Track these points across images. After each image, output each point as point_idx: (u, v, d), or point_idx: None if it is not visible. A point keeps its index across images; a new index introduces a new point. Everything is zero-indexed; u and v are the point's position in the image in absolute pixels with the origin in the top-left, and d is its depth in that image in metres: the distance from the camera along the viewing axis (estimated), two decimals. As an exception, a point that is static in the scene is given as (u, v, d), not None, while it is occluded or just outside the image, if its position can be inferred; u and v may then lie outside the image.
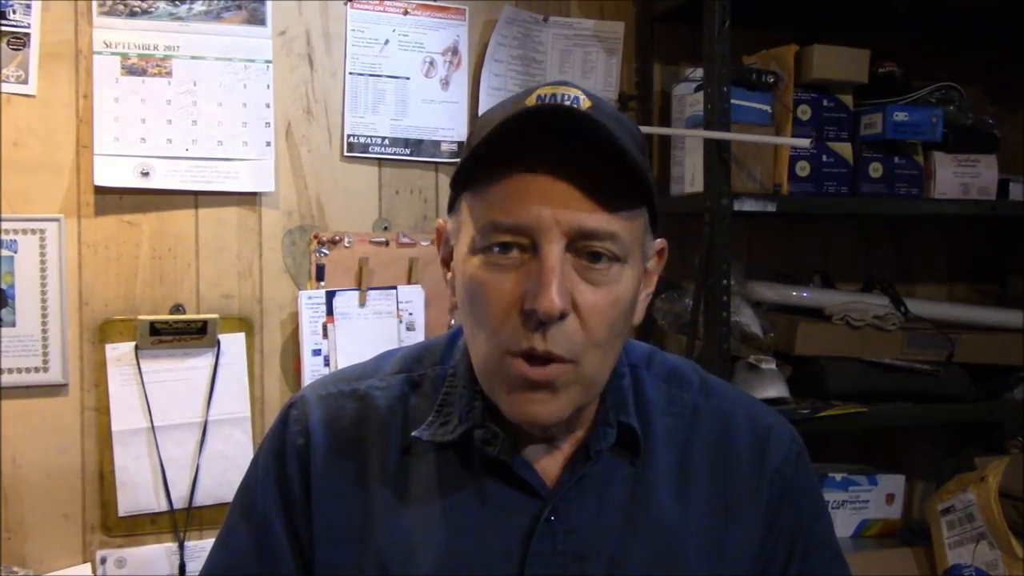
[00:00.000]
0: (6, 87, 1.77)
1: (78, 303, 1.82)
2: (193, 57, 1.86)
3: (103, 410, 1.83)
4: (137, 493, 1.83)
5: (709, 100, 1.86)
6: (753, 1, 1.91)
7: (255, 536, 1.01)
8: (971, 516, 1.98)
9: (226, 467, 1.87)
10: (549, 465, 0.97)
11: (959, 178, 2.11)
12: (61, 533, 1.81)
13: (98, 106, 1.81)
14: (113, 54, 1.82)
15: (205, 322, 1.86)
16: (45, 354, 1.79)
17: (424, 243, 2.01)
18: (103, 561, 1.82)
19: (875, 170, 2.07)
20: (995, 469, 1.99)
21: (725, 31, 1.83)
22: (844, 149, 2.05)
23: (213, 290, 1.90)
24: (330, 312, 1.94)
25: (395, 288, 1.98)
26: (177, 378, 1.86)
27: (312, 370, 1.92)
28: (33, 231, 1.79)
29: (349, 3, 1.97)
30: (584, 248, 0.87)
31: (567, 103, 0.88)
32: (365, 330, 1.96)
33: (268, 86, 1.91)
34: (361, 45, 1.98)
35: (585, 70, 2.13)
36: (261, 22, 1.91)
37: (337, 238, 1.96)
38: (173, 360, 1.86)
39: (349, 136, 1.98)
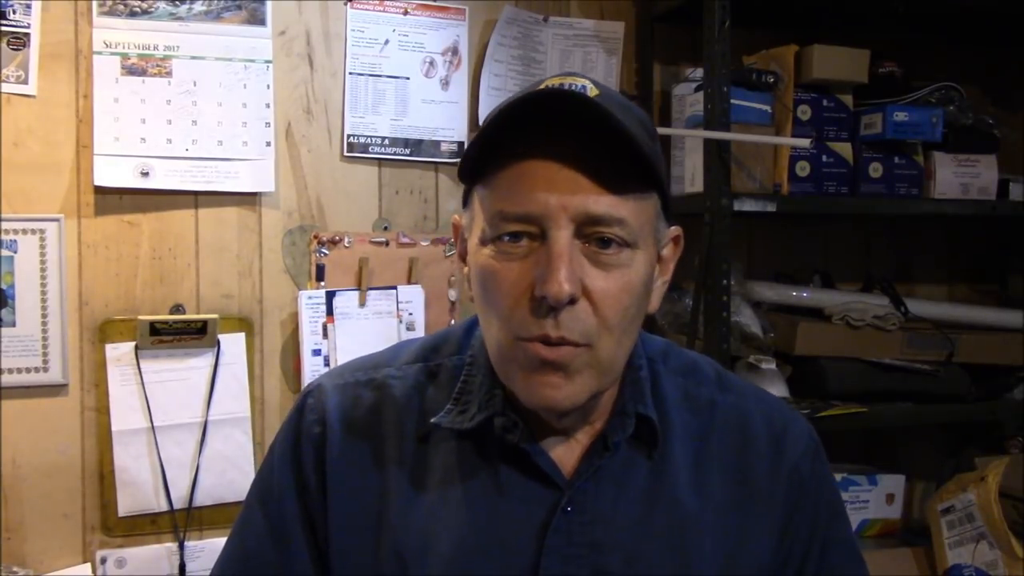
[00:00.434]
0: (6, 87, 1.77)
1: (78, 303, 1.82)
2: (193, 57, 1.86)
3: (103, 410, 1.83)
4: (137, 493, 1.83)
5: (709, 100, 1.86)
6: (753, 1, 1.91)
7: (270, 523, 1.01)
8: (971, 516, 1.98)
9: (226, 467, 1.87)
10: (567, 456, 0.97)
11: (959, 178, 2.11)
12: (61, 533, 1.81)
13: (98, 106, 1.81)
14: (113, 54, 1.82)
15: (205, 322, 1.86)
16: (45, 354, 1.79)
17: (424, 243, 2.01)
18: (103, 561, 1.82)
19: (875, 170, 2.07)
20: (995, 469, 1.99)
21: (725, 31, 1.83)
22: (844, 149, 2.05)
23: (213, 290, 1.90)
24: (330, 312, 1.94)
25: (395, 288, 1.98)
26: (177, 378, 1.86)
27: (312, 370, 1.92)
28: (33, 231, 1.79)
29: (349, 3, 1.97)
30: (593, 234, 0.88)
31: (574, 91, 0.88)
32: (365, 330, 1.96)
33: (268, 86, 1.91)
34: (361, 45, 1.98)
35: (585, 70, 2.13)
36: (261, 22, 1.91)
37: (337, 238, 1.96)
38: (173, 360, 1.86)
39: (349, 136, 1.98)
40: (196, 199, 1.89)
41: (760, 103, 1.96)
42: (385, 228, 2.01)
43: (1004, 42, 2.35)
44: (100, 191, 1.82)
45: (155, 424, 1.84)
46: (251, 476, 1.81)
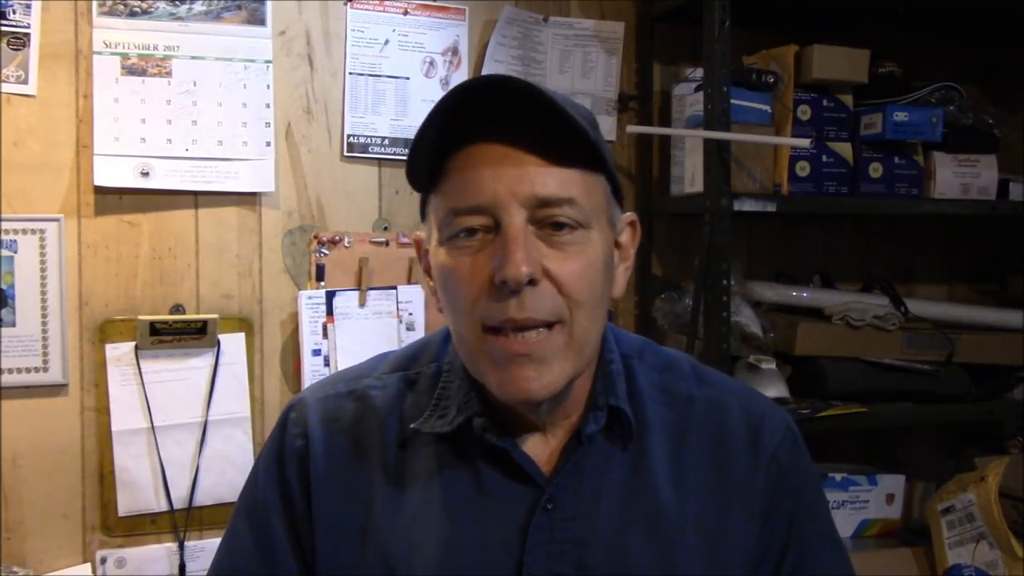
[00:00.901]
0: (6, 87, 1.77)
1: (78, 303, 1.82)
2: (193, 57, 1.86)
3: (103, 410, 1.83)
4: (137, 493, 1.83)
5: (709, 100, 1.86)
6: (753, 1, 1.91)
7: (256, 538, 1.02)
8: (971, 516, 1.98)
9: (226, 467, 1.87)
10: (544, 453, 0.98)
11: (959, 178, 2.11)
12: (61, 533, 1.81)
13: (98, 106, 1.81)
14: (113, 54, 1.82)
15: (205, 322, 1.86)
16: (45, 354, 1.79)
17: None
18: (103, 561, 1.82)
19: (875, 170, 2.07)
20: (995, 469, 1.98)
21: (725, 31, 1.83)
22: (844, 149, 2.05)
23: (213, 290, 1.90)
24: (330, 312, 1.94)
25: (395, 288, 1.98)
26: (177, 378, 1.86)
27: (312, 370, 1.92)
28: (33, 231, 1.79)
29: (349, 3, 1.97)
30: (546, 219, 0.89)
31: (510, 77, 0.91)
32: (365, 330, 1.96)
33: (268, 86, 1.91)
34: (361, 45, 1.98)
35: (585, 70, 2.13)
36: (261, 22, 1.91)
37: (337, 238, 1.96)
38: (173, 360, 1.86)
39: (349, 136, 1.98)
40: (196, 199, 1.89)
41: (760, 103, 1.96)
42: (385, 228, 2.01)
43: (1004, 42, 2.35)
44: (100, 191, 1.82)
45: (155, 424, 1.84)
46: (251, 476, 1.81)
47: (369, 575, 0.96)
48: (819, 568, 1.02)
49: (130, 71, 1.83)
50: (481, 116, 0.89)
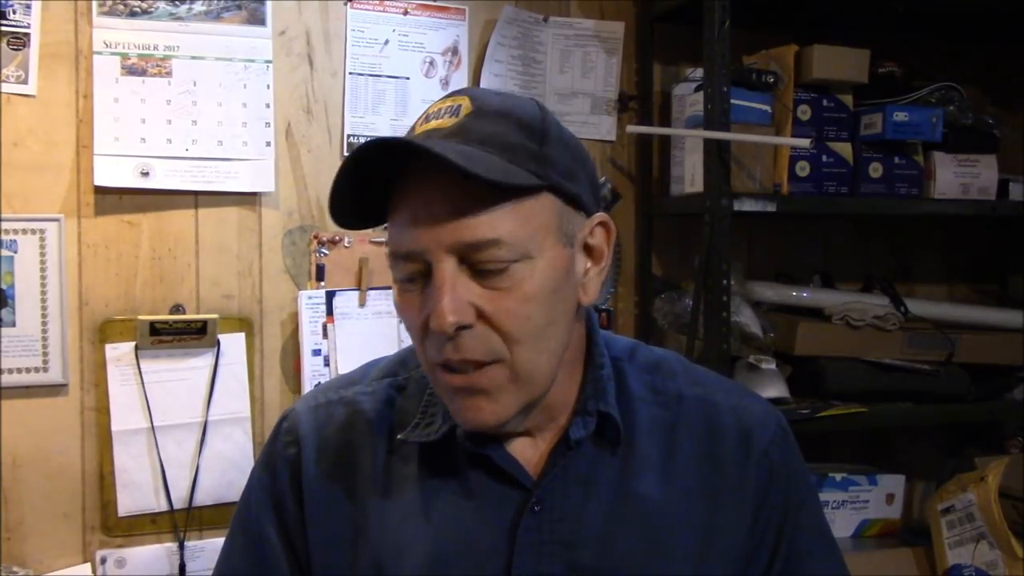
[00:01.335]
0: (6, 87, 1.77)
1: (78, 303, 1.82)
2: (193, 57, 1.86)
3: (103, 410, 1.83)
4: (137, 493, 1.83)
5: (709, 100, 1.86)
6: (753, 1, 1.91)
7: (251, 549, 1.04)
8: (971, 516, 1.98)
9: (226, 467, 1.87)
10: (532, 456, 0.99)
11: (959, 178, 2.11)
12: (61, 533, 1.81)
13: (98, 106, 1.81)
14: (113, 54, 1.82)
15: (205, 322, 1.86)
16: (45, 354, 1.79)
17: (424, 243, 2.01)
18: (103, 561, 1.82)
19: (875, 170, 2.07)
20: (995, 469, 1.98)
21: (725, 31, 1.83)
22: (844, 149, 2.05)
23: (213, 290, 1.90)
24: (330, 312, 1.94)
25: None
26: (177, 378, 1.86)
27: (312, 370, 1.92)
28: (33, 231, 1.79)
29: (349, 3, 1.97)
30: (475, 264, 0.88)
31: (444, 116, 0.91)
32: (365, 330, 1.96)
33: (268, 86, 1.91)
34: (361, 45, 1.98)
35: (585, 70, 2.13)
36: (261, 22, 1.91)
37: (337, 238, 1.96)
38: (173, 360, 1.86)
39: (349, 136, 1.98)
40: (196, 199, 1.89)
41: (760, 103, 1.96)
42: (385, 228, 2.00)
43: (1004, 42, 2.35)
44: (100, 191, 1.82)
45: (155, 424, 1.84)
46: (251, 476, 1.81)
47: None
48: (811, 564, 1.03)
49: (130, 71, 1.83)
50: (401, 160, 0.89)
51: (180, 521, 1.85)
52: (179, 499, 1.85)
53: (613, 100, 2.15)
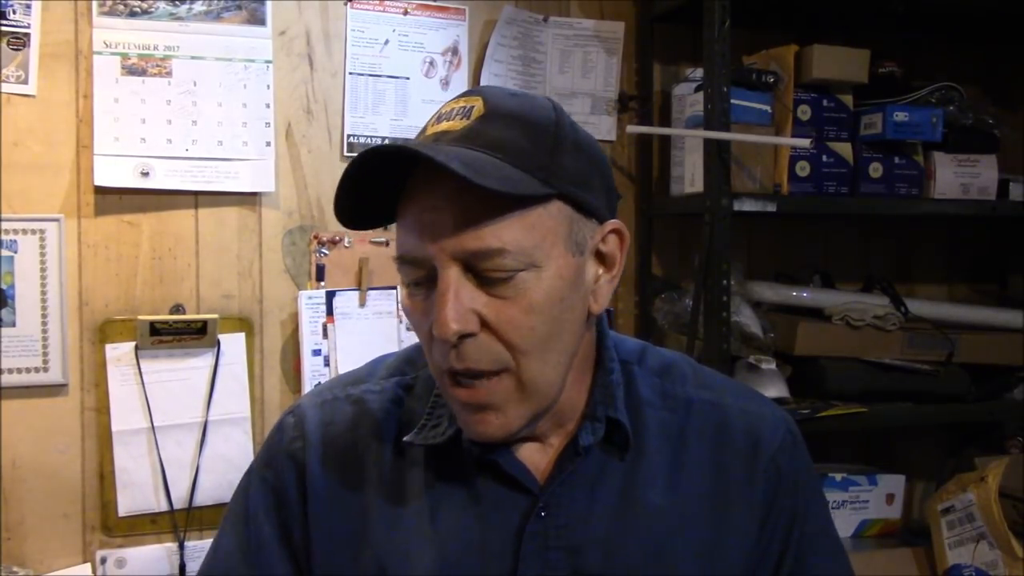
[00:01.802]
0: (6, 87, 1.77)
1: (78, 303, 1.82)
2: (193, 57, 1.86)
3: (103, 410, 1.83)
4: (137, 493, 1.83)
5: (709, 100, 1.86)
6: (753, 1, 1.91)
7: (242, 540, 1.02)
8: (971, 516, 1.98)
9: (226, 467, 1.87)
10: (540, 461, 0.98)
11: (959, 178, 2.11)
12: (61, 533, 1.81)
13: (98, 106, 1.81)
14: (113, 54, 1.82)
15: (205, 322, 1.86)
16: (45, 354, 1.79)
17: (424, 243, 2.01)
18: (103, 561, 1.82)
19: (875, 170, 2.07)
20: (995, 469, 1.99)
21: (725, 31, 1.83)
22: (844, 149, 2.05)
23: (213, 290, 1.90)
24: (330, 312, 1.94)
25: (395, 288, 1.98)
26: (177, 378, 1.86)
27: (312, 370, 1.92)
28: (33, 231, 1.79)
29: (349, 3, 1.97)
30: (480, 272, 0.87)
31: (455, 118, 0.89)
32: (365, 330, 1.96)
33: (268, 86, 1.91)
34: (361, 45, 1.98)
35: (585, 70, 2.13)
36: (261, 22, 1.91)
37: (337, 238, 1.96)
38: (173, 360, 1.86)
39: (349, 136, 1.98)
40: (196, 199, 1.89)
41: (760, 103, 1.96)
42: (385, 228, 2.00)
43: (1004, 42, 2.35)
44: (100, 191, 1.82)
45: (155, 424, 1.84)
46: (251, 476, 1.81)
47: None
48: (818, 569, 1.02)
49: (130, 71, 1.83)
50: (424, 167, 0.87)
51: (180, 521, 1.85)
52: (179, 499, 1.85)
53: (613, 100, 2.15)
